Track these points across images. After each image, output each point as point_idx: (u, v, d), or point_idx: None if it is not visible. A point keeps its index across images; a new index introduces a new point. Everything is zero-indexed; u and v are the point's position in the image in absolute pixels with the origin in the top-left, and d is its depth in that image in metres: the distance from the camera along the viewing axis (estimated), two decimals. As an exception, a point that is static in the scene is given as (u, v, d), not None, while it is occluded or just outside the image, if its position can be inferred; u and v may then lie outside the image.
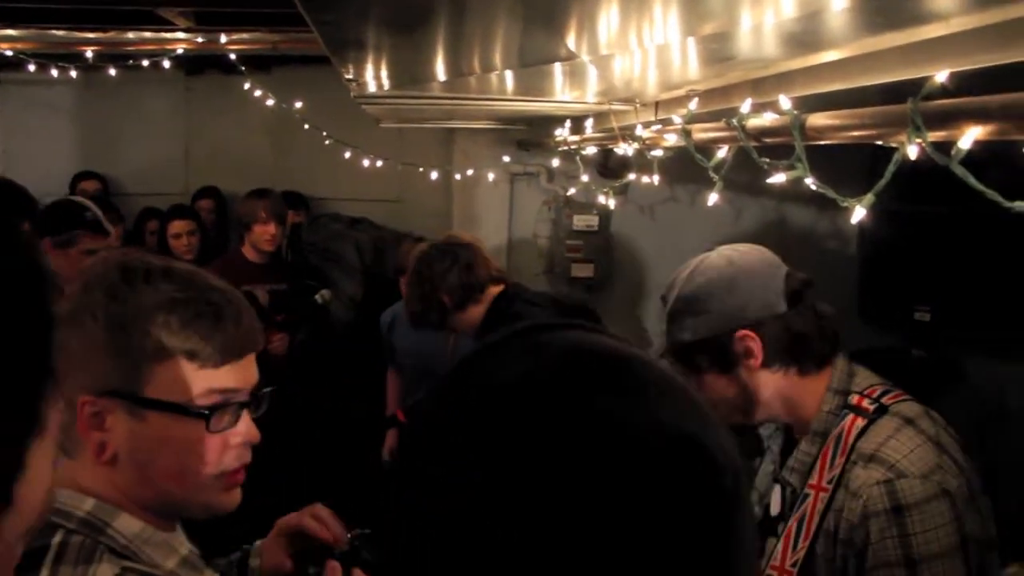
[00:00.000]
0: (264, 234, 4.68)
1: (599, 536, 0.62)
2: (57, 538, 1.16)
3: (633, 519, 0.63)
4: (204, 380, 1.26)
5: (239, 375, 1.30)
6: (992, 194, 1.18)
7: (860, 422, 1.72)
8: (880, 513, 1.60)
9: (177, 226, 5.36)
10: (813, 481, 1.74)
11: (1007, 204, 1.16)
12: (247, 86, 5.50)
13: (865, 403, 1.75)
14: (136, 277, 1.26)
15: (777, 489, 1.88)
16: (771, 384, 1.81)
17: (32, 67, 4.96)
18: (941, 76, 1.24)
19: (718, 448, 0.68)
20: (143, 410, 1.23)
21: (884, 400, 1.75)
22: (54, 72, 5.09)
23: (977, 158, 1.19)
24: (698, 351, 1.83)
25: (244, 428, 1.32)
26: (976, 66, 1.35)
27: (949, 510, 1.60)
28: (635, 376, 0.70)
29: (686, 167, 2.34)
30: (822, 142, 1.60)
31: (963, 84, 1.26)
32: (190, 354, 1.25)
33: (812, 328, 1.81)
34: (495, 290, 3.16)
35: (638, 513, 0.63)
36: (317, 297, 4.72)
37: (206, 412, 1.25)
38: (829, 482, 1.71)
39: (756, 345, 1.78)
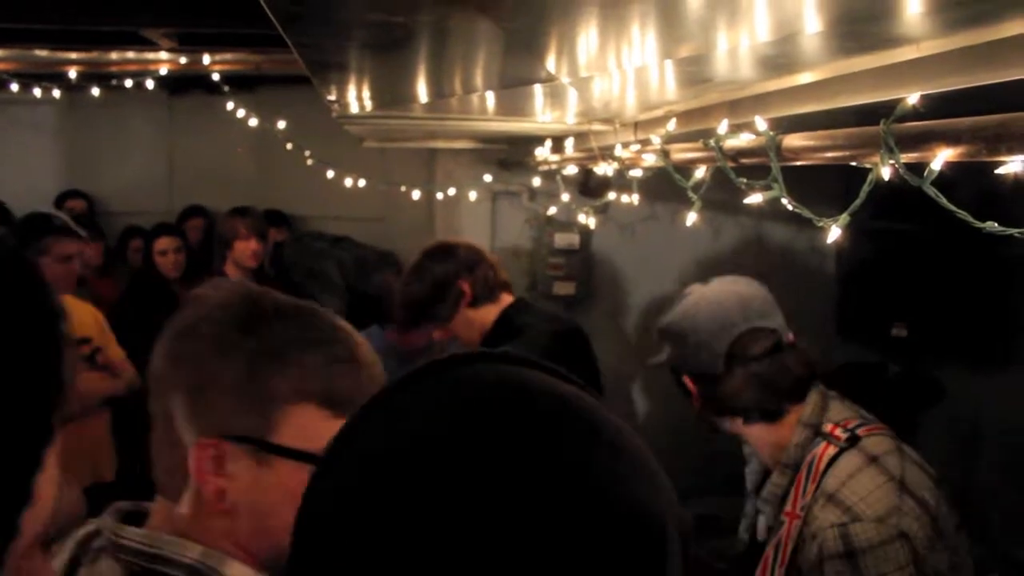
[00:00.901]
0: (245, 250, 4.68)
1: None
2: None
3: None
4: (334, 429, 1.19)
5: None
6: (963, 214, 1.20)
7: (831, 450, 1.75)
8: (834, 557, 1.62)
9: (163, 243, 5.35)
10: (788, 508, 1.77)
11: (978, 224, 1.19)
12: (230, 106, 5.50)
13: (838, 432, 1.78)
14: (268, 311, 1.19)
15: (762, 517, 1.92)
16: (720, 423, 1.90)
17: (15, 87, 4.96)
18: (913, 98, 1.27)
19: (644, 501, 0.65)
20: (271, 457, 1.13)
21: (858, 432, 1.77)
22: (37, 92, 5.09)
23: (949, 178, 1.21)
24: (686, 375, 1.97)
25: None
26: (946, 88, 1.38)
27: (906, 553, 1.61)
28: (534, 411, 0.67)
29: (665, 187, 2.37)
30: (798, 162, 1.62)
31: (934, 106, 1.29)
32: (324, 399, 1.16)
33: (755, 389, 1.84)
34: (507, 298, 3.01)
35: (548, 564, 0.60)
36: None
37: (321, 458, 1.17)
38: (802, 508, 1.73)
39: (695, 392, 1.92)
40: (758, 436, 1.87)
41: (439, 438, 0.65)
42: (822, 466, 1.74)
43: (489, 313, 2.93)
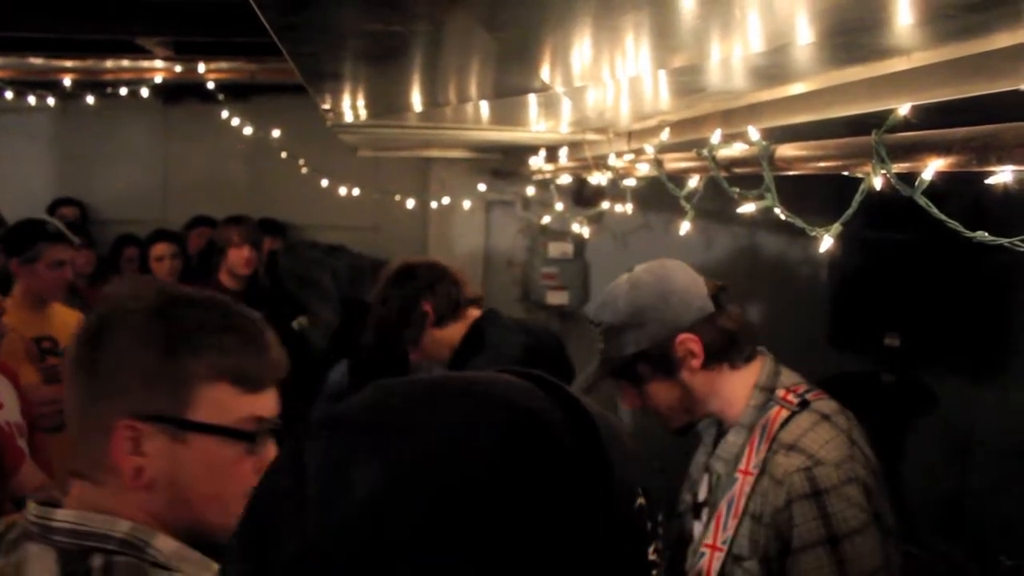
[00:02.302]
0: (239, 258, 4.68)
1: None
2: (98, 561, 1.15)
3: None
4: (247, 405, 1.25)
5: (271, 403, 1.30)
6: (954, 224, 1.21)
7: (784, 413, 1.88)
8: (802, 497, 1.75)
9: (160, 249, 5.34)
10: (742, 467, 1.89)
11: (968, 234, 1.20)
12: (225, 114, 5.51)
13: (790, 397, 1.91)
14: (180, 299, 1.27)
15: (706, 477, 2.03)
16: (710, 381, 1.96)
17: (10, 95, 4.95)
18: (904, 109, 1.28)
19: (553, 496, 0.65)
20: (187, 433, 1.21)
21: (807, 396, 1.91)
22: (32, 100, 5.08)
23: (940, 188, 1.22)
24: (642, 361, 1.97)
25: (271, 456, 1.27)
26: (937, 99, 1.40)
27: (860, 493, 1.76)
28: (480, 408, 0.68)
29: (659, 196, 2.38)
30: (790, 172, 1.63)
31: (925, 117, 1.30)
32: (237, 378, 1.24)
33: (737, 325, 1.98)
34: (474, 313, 2.98)
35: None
36: (294, 324, 4.71)
37: (252, 435, 1.24)
38: (755, 467, 1.85)
39: (697, 346, 1.94)
40: (737, 385, 1.95)
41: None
42: (775, 428, 1.86)
43: (456, 331, 2.92)
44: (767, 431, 1.87)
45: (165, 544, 1.19)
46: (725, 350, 1.95)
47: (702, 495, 2.02)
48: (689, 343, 1.93)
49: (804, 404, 1.88)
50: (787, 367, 2.01)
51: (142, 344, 1.20)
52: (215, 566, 1.23)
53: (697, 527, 2.00)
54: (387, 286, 2.97)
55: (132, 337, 1.21)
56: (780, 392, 1.92)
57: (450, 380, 0.74)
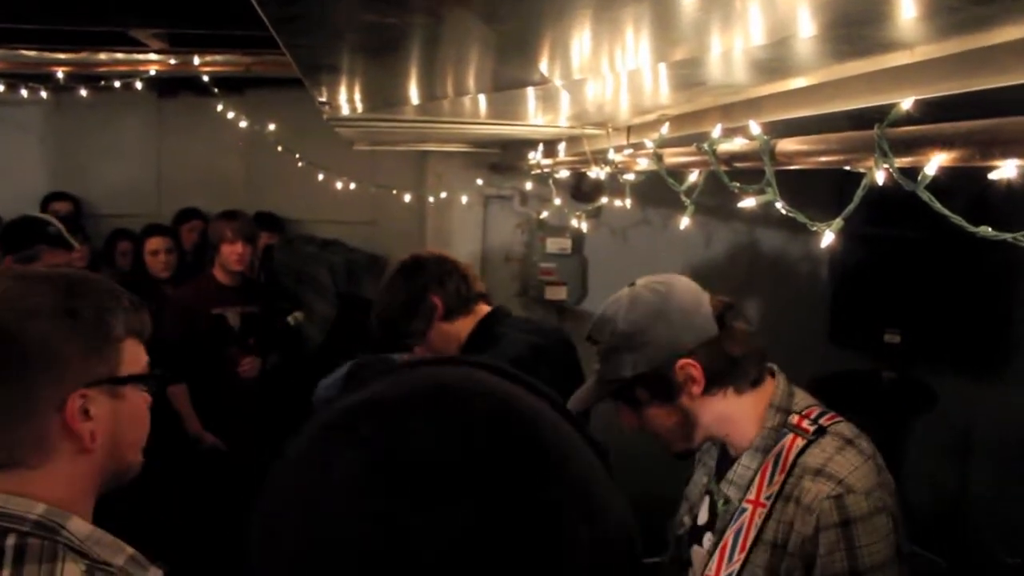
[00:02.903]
0: (231, 254, 4.67)
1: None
2: (11, 540, 1.21)
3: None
4: (142, 355, 1.42)
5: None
6: (957, 219, 1.19)
7: (800, 442, 1.79)
8: (830, 527, 1.67)
9: (154, 243, 5.33)
10: (751, 496, 1.80)
11: (971, 229, 1.18)
12: (220, 108, 5.49)
13: (805, 424, 1.82)
14: (79, 277, 1.40)
15: (707, 500, 1.95)
16: (711, 407, 1.86)
17: (2, 87, 4.93)
18: (907, 103, 1.26)
19: (545, 498, 0.66)
20: (122, 388, 1.37)
21: (822, 421, 1.82)
22: (24, 92, 5.06)
23: (943, 184, 1.21)
24: (639, 385, 1.88)
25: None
26: (940, 94, 1.38)
27: (888, 523, 1.69)
28: (475, 411, 0.69)
29: (658, 191, 2.36)
30: (791, 167, 1.61)
31: (928, 111, 1.29)
32: (137, 333, 1.41)
33: (744, 347, 1.87)
34: (483, 309, 2.93)
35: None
36: (289, 319, 4.70)
37: (160, 377, 1.43)
38: (767, 498, 1.77)
39: (697, 372, 1.83)
40: (745, 410, 1.86)
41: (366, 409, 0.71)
42: (791, 457, 1.78)
43: (465, 325, 2.88)
44: (782, 460, 1.79)
45: (78, 527, 1.27)
46: (728, 375, 1.84)
47: (702, 519, 1.95)
48: (689, 368, 1.83)
49: (821, 431, 1.79)
50: (799, 388, 1.92)
51: (69, 323, 1.31)
52: (128, 549, 1.31)
53: (698, 552, 1.93)
54: (395, 278, 2.92)
55: (52, 321, 1.30)
56: (794, 419, 1.83)
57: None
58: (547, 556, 0.64)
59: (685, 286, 1.92)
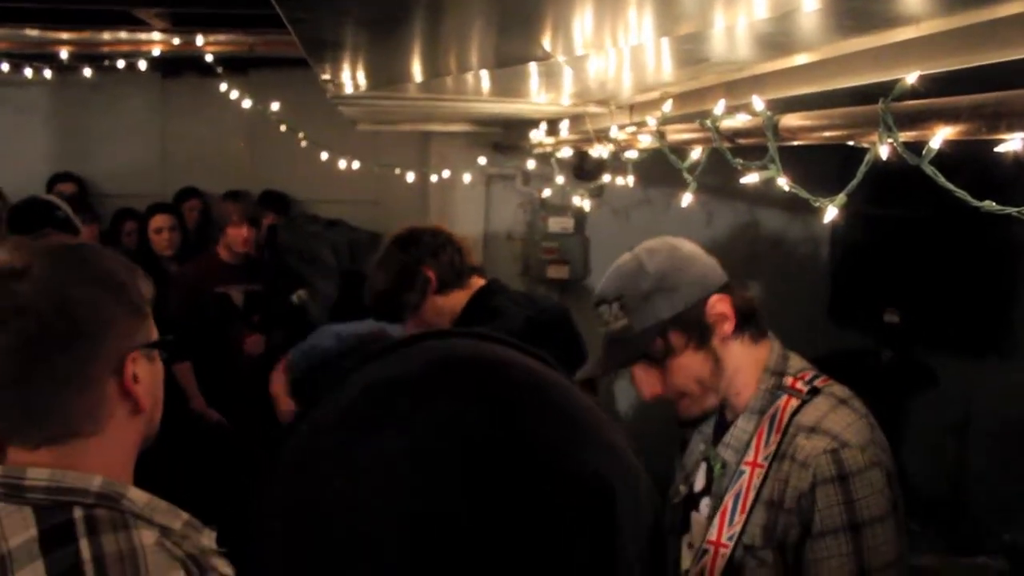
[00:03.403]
0: (237, 237, 4.70)
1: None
2: (78, 513, 1.22)
3: (475, 532, 0.60)
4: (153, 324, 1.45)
5: None
6: (961, 193, 1.20)
7: (794, 402, 1.81)
8: (827, 481, 1.68)
9: (159, 220, 5.33)
10: (748, 459, 1.82)
11: (976, 203, 1.18)
12: (224, 88, 5.48)
13: (799, 385, 1.84)
14: (86, 247, 1.45)
15: (703, 467, 1.96)
16: (734, 353, 1.86)
17: (6, 67, 4.92)
18: (911, 77, 1.26)
19: (583, 462, 0.64)
20: (154, 352, 1.40)
21: (816, 383, 1.83)
22: (28, 72, 5.05)
23: (947, 160, 1.21)
24: (674, 329, 1.84)
25: None
26: (946, 68, 1.38)
27: (883, 478, 1.70)
28: (502, 385, 0.67)
29: (660, 171, 2.36)
30: (795, 142, 1.61)
31: (932, 87, 1.28)
32: (151, 303, 1.42)
33: (749, 294, 1.90)
34: (478, 282, 2.90)
35: (481, 526, 0.60)
36: (293, 297, 4.71)
37: (175, 342, 1.48)
38: (765, 459, 1.79)
39: (728, 308, 1.83)
40: (752, 361, 1.87)
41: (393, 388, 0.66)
42: (785, 418, 1.79)
43: (459, 299, 2.86)
44: (777, 421, 1.80)
45: (137, 495, 1.29)
46: (746, 317, 1.86)
47: (699, 485, 1.96)
48: (720, 305, 1.82)
49: (814, 391, 1.81)
50: (793, 351, 1.92)
51: (114, 288, 1.33)
52: (184, 514, 1.33)
53: (696, 518, 1.93)
54: (390, 249, 2.91)
55: (99, 288, 1.32)
56: (788, 380, 1.84)
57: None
58: (600, 528, 0.63)
59: (686, 241, 1.94)
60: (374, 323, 3.05)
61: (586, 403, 0.70)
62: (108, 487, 1.26)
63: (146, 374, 1.36)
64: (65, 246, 1.39)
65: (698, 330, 1.84)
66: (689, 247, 1.92)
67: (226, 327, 4.68)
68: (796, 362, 1.89)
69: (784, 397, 1.83)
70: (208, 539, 1.34)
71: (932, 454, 4.30)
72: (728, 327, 1.84)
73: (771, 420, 1.82)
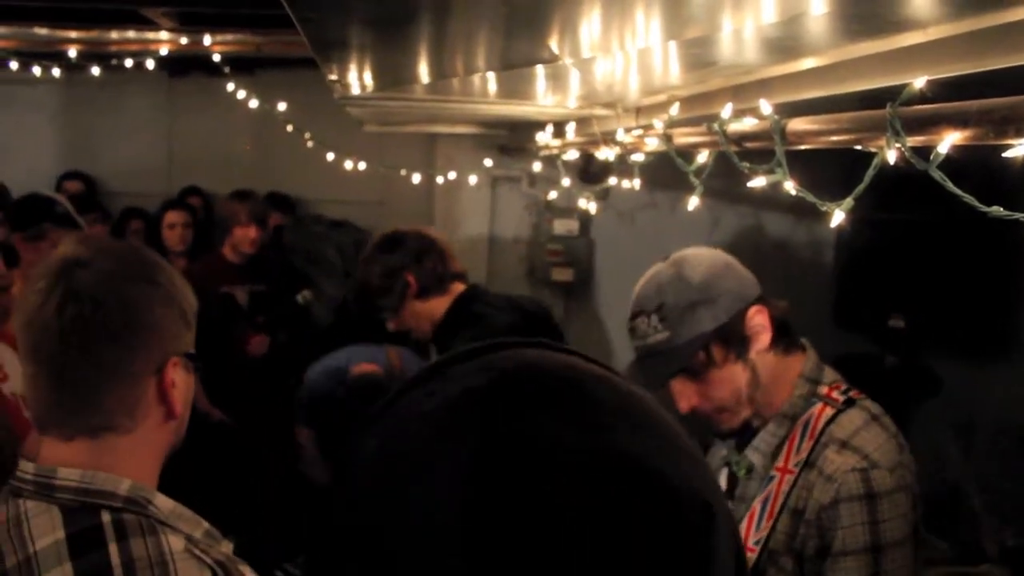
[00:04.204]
0: (244, 237, 4.70)
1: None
2: (106, 517, 1.23)
3: (573, 554, 0.56)
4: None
5: None
6: (968, 198, 1.19)
7: (829, 411, 1.79)
8: (854, 499, 1.66)
9: (172, 216, 5.35)
10: (780, 464, 1.80)
11: (983, 208, 1.18)
12: (231, 87, 5.48)
13: (835, 394, 1.82)
14: (143, 250, 1.45)
15: (725, 471, 1.94)
16: (769, 365, 1.83)
17: (14, 65, 4.93)
18: (919, 82, 1.26)
19: (682, 478, 0.61)
20: (191, 363, 1.41)
21: (851, 394, 1.82)
22: (36, 71, 5.06)
23: (954, 166, 1.21)
24: (716, 342, 1.80)
25: None
26: (954, 73, 1.38)
27: (908, 502, 1.70)
28: (586, 397, 0.63)
29: (666, 173, 2.36)
30: (802, 146, 1.61)
31: (940, 92, 1.28)
32: (194, 314, 1.43)
33: (780, 306, 1.88)
34: (458, 287, 2.92)
35: (579, 548, 0.56)
36: (298, 298, 4.71)
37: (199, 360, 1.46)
38: (796, 465, 1.77)
39: (766, 319, 1.81)
40: (784, 371, 1.84)
41: (476, 401, 0.62)
42: (820, 425, 1.77)
43: (439, 305, 2.87)
44: (810, 427, 1.78)
45: (163, 502, 1.30)
46: (781, 329, 1.84)
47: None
48: (759, 316, 1.80)
49: (850, 402, 1.79)
50: (828, 365, 1.90)
51: (166, 292, 1.36)
52: (204, 523, 1.33)
53: None
54: (373, 252, 2.94)
55: (154, 289, 1.34)
56: (823, 389, 1.82)
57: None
58: (700, 548, 0.60)
59: (719, 251, 1.92)
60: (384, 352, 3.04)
61: (667, 414, 0.67)
62: (136, 491, 1.27)
63: (182, 382, 1.38)
64: (129, 247, 1.44)
65: (738, 342, 1.81)
66: (725, 257, 1.89)
67: (230, 327, 4.69)
68: (830, 374, 1.87)
69: (819, 405, 1.81)
70: (227, 549, 1.35)
71: (936, 459, 4.29)
72: (766, 338, 1.81)
73: (804, 427, 1.79)
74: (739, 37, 1.59)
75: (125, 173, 6.56)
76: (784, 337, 1.85)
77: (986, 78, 1.34)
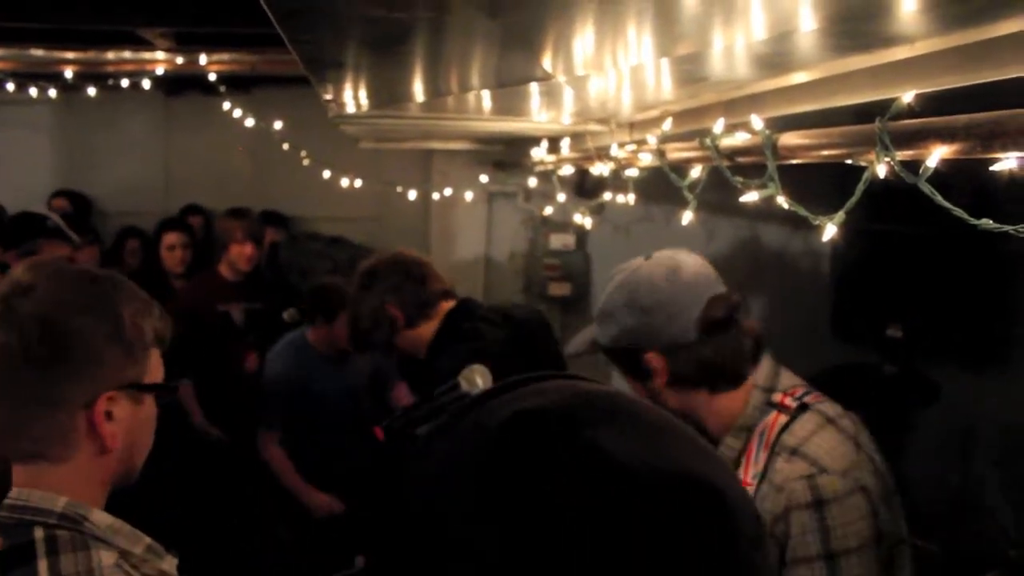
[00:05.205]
0: (241, 255, 4.71)
1: None
2: (39, 533, 1.23)
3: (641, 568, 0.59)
4: (161, 365, 1.42)
5: None
6: (958, 211, 1.20)
7: (783, 418, 1.78)
8: (802, 507, 1.64)
9: (171, 238, 5.36)
10: (740, 477, 1.77)
11: (973, 222, 1.19)
12: (227, 106, 5.50)
13: (788, 401, 1.80)
14: (107, 276, 1.40)
15: None
16: (680, 399, 1.84)
17: (11, 86, 4.95)
18: (908, 96, 1.27)
19: (731, 492, 0.64)
20: (144, 395, 1.38)
21: (806, 399, 1.80)
22: (33, 91, 5.08)
23: (945, 178, 1.22)
24: (613, 356, 1.90)
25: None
26: (941, 87, 1.39)
27: (866, 505, 1.66)
28: (638, 419, 0.67)
29: (660, 188, 2.37)
30: (793, 161, 1.62)
31: (929, 105, 1.29)
32: (161, 342, 1.41)
33: (726, 353, 1.83)
34: (446, 306, 2.91)
35: (647, 562, 0.59)
36: (285, 315, 4.71)
37: (175, 388, 1.45)
38: (754, 477, 1.75)
39: (661, 366, 1.82)
40: (720, 406, 1.84)
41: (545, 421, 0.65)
42: (774, 434, 1.76)
43: (429, 328, 2.88)
44: (765, 438, 1.77)
45: (100, 518, 1.30)
46: (697, 380, 1.82)
47: None
48: (653, 362, 1.82)
49: (803, 407, 1.77)
50: (787, 367, 1.90)
51: (113, 324, 1.32)
52: (145, 538, 1.33)
53: None
54: (356, 291, 2.96)
55: (98, 320, 1.32)
56: (777, 396, 1.81)
57: None
58: (748, 550, 0.63)
59: (689, 281, 1.85)
60: None
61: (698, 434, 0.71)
62: (71, 508, 1.27)
63: (126, 415, 1.35)
64: (86, 274, 1.39)
65: (633, 367, 1.87)
66: (677, 290, 1.84)
67: (226, 345, 4.69)
68: (788, 378, 1.86)
69: (773, 413, 1.80)
70: (169, 565, 1.35)
71: (935, 468, 4.29)
72: (659, 381, 1.83)
73: (760, 437, 1.79)
74: (730, 53, 1.60)
75: (122, 192, 6.59)
76: (714, 382, 1.83)
77: (974, 91, 1.36)
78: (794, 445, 1.72)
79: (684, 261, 1.89)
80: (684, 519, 0.61)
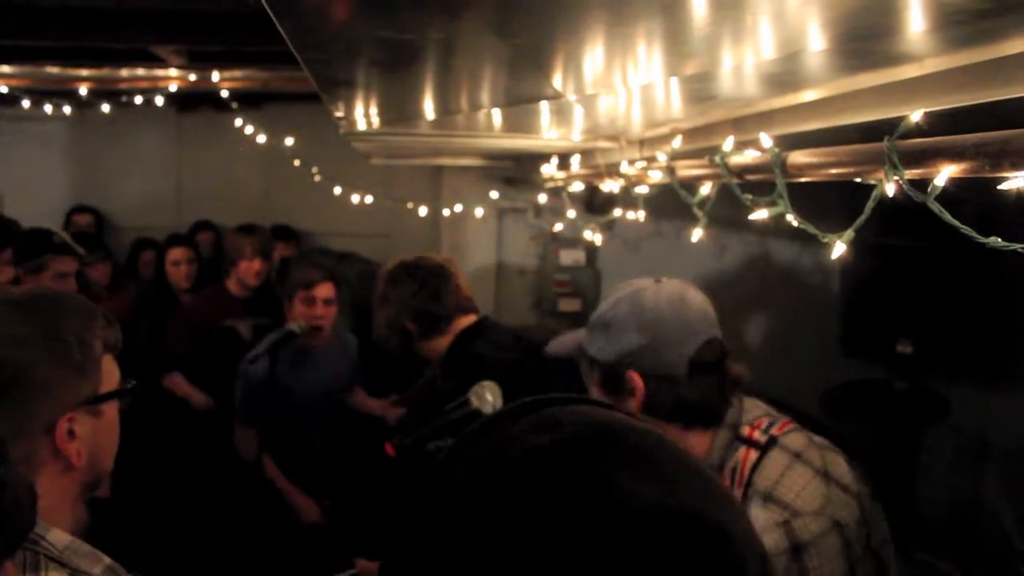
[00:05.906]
0: (249, 270, 4.71)
1: None
2: None
3: None
4: (115, 368, 1.46)
5: None
6: (966, 230, 1.21)
7: (753, 454, 1.78)
8: (781, 553, 1.65)
9: (176, 254, 5.38)
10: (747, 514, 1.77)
11: (981, 239, 1.20)
12: (239, 122, 5.54)
13: (756, 435, 1.80)
14: (51, 294, 1.43)
15: None
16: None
17: (26, 103, 5.00)
18: (916, 115, 1.28)
19: (740, 533, 0.65)
20: (101, 406, 1.41)
21: (773, 431, 1.80)
22: (48, 108, 5.12)
23: (954, 194, 1.22)
24: (596, 367, 1.90)
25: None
26: (950, 106, 1.39)
27: (839, 540, 1.67)
28: (651, 455, 0.69)
29: (670, 204, 2.38)
30: (802, 179, 1.63)
31: (937, 123, 1.30)
32: (112, 348, 1.44)
33: (709, 396, 1.84)
34: (464, 322, 2.95)
35: None
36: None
37: (133, 389, 1.47)
38: None
39: (639, 389, 1.83)
40: (690, 445, 1.83)
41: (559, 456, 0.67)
42: (747, 471, 1.76)
43: (443, 343, 2.95)
44: (738, 474, 1.77)
45: (57, 538, 1.30)
46: (671, 413, 1.83)
47: None
48: (635, 382, 1.83)
49: (772, 441, 1.77)
50: (746, 396, 1.90)
51: (56, 348, 1.34)
52: (106, 559, 1.33)
53: None
54: (378, 296, 3.06)
55: (40, 348, 1.33)
56: (745, 430, 1.81)
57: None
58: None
59: (691, 316, 1.87)
60: None
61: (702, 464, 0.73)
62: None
63: (88, 429, 1.37)
64: (21, 301, 1.38)
65: (611, 381, 1.87)
66: (676, 323, 1.85)
67: (232, 360, 4.70)
68: (752, 409, 1.86)
69: (743, 449, 1.80)
70: None
71: (946, 483, 4.27)
72: (633, 403, 1.84)
73: (732, 474, 1.78)
74: (739, 72, 1.61)
75: (135, 208, 6.62)
76: (688, 420, 1.83)
77: (982, 110, 1.36)
78: (767, 489, 1.72)
79: (691, 295, 1.91)
80: (692, 562, 0.62)
